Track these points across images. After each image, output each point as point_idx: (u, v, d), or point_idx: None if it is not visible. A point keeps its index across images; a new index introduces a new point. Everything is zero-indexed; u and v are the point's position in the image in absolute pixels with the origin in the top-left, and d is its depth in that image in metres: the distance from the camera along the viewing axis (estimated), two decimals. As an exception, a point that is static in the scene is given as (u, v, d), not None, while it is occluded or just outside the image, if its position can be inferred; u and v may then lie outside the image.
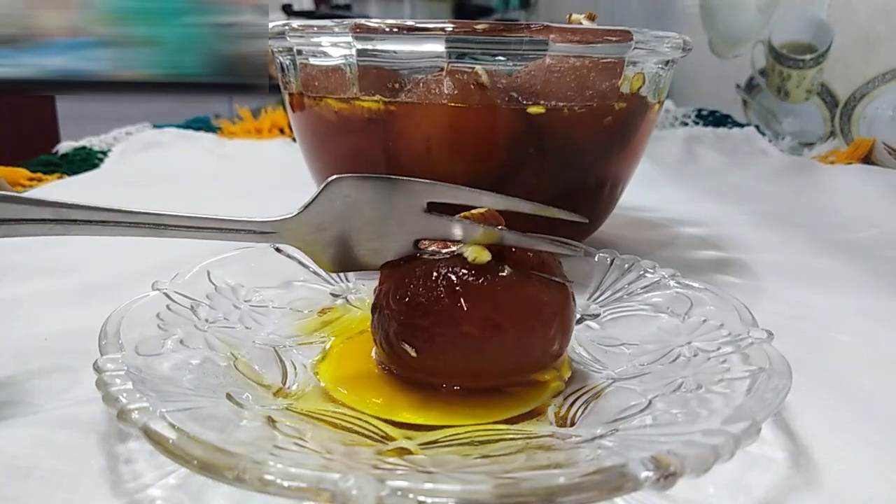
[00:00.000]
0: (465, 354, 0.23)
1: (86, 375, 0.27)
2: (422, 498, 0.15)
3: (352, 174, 0.26)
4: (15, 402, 0.25)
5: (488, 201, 0.26)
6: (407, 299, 0.24)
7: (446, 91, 0.36)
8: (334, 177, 0.26)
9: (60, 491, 0.20)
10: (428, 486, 0.15)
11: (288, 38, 0.39)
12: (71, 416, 0.24)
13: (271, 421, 0.21)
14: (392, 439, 0.21)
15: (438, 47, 0.35)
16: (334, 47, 0.38)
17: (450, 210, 0.26)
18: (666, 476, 0.15)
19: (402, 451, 0.20)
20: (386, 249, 0.26)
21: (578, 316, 0.32)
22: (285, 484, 0.15)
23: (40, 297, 0.35)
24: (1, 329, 0.31)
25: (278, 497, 0.17)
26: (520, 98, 0.36)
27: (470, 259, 0.24)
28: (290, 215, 0.26)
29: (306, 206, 0.26)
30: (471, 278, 0.23)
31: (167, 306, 0.27)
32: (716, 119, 0.93)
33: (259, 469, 0.15)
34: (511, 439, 0.21)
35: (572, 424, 0.23)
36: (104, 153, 0.74)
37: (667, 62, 0.41)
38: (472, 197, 0.26)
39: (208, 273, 0.30)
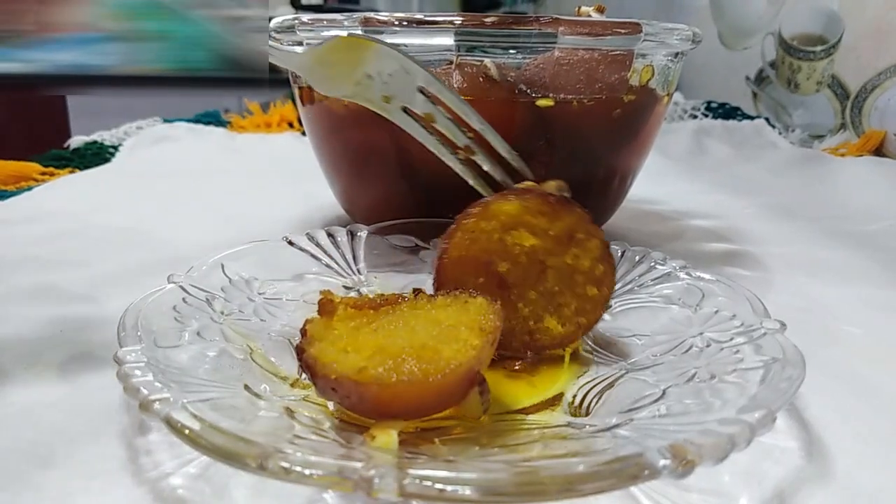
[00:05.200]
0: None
1: (102, 366, 0.27)
2: (442, 486, 0.15)
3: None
4: (33, 392, 0.25)
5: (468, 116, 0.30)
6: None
7: (455, 84, 0.36)
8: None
9: (79, 478, 0.21)
10: (449, 474, 0.15)
11: (297, 32, 0.39)
12: (89, 406, 0.24)
13: (289, 411, 0.21)
14: (410, 429, 0.21)
15: (447, 40, 0.35)
16: (344, 41, 0.38)
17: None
18: (683, 464, 0.16)
19: (421, 441, 0.20)
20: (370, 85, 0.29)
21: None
22: (307, 472, 0.15)
23: (55, 289, 0.35)
24: (16, 320, 0.32)
25: (299, 485, 0.17)
26: (529, 91, 0.36)
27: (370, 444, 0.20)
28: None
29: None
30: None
31: (183, 299, 0.27)
32: (725, 111, 0.93)
33: (282, 458, 0.16)
34: (527, 429, 0.21)
35: (587, 414, 0.23)
36: (115, 147, 0.74)
37: (676, 54, 0.40)
38: (453, 101, 0.30)
39: (222, 266, 0.30)
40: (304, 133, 0.46)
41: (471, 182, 0.32)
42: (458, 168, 0.31)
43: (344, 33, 0.37)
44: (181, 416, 0.18)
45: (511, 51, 0.36)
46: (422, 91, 0.29)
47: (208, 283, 0.29)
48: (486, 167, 0.31)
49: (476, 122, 0.30)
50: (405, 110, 0.29)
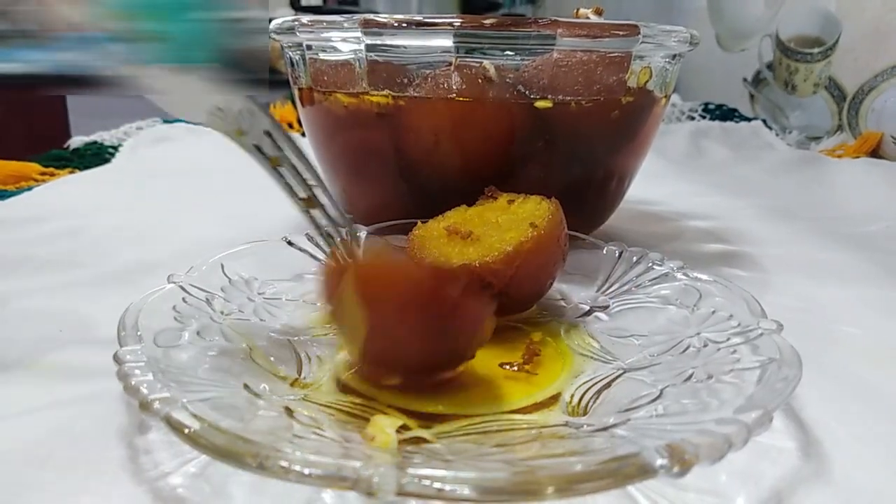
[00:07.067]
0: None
1: (101, 366, 0.27)
2: (441, 485, 0.15)
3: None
4: (32, 392, 0.25)
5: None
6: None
7: (454, 86, 0.36)
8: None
9: (77, 478, 0.21)
10: (447, 473, 0.15)
11: (297, 34, 0.39)
12: (88, 406, 0.24)
13: (289, 411, 0.21)
14: (408, 429, 0.21)
15: (447, 42, 0.35)
16: (344, 42, 0.38)
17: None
18: (681, 464, 0.16)
19: (419, 441, 0.21)
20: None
21: (587, 308, 0.32)
22: (306, 471, 0.15)
23: (54, 290, 0.35)
24: (16, 320, 0.32)
25: (297, 485, 0.17)
26: (527, 92, 0.37)
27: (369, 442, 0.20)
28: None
29: None
30: None
31: (183, 299, 0.27)
32: (723, 113, 0.93)
33: (280, 457, 0.16)
34: (525, 428, 0.22)
35: (585, 414, 0.23)
36: (115, 148, 0.74)
37: (674, 56, 0.41)
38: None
39: (222, 266, 0.31)
40: (303, 134, 0.46)
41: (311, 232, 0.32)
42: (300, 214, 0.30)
43: (343, 35, 0.37)
44: (181, 415, 0.18)
45: (510, 52, 0.36)
46: (268, 135, 0.28)
47: (208, 283, 0.29)
48: (321, 223, 0.30)
49: (312, 178, 0.29)
50: (258, 148, 0.28)
